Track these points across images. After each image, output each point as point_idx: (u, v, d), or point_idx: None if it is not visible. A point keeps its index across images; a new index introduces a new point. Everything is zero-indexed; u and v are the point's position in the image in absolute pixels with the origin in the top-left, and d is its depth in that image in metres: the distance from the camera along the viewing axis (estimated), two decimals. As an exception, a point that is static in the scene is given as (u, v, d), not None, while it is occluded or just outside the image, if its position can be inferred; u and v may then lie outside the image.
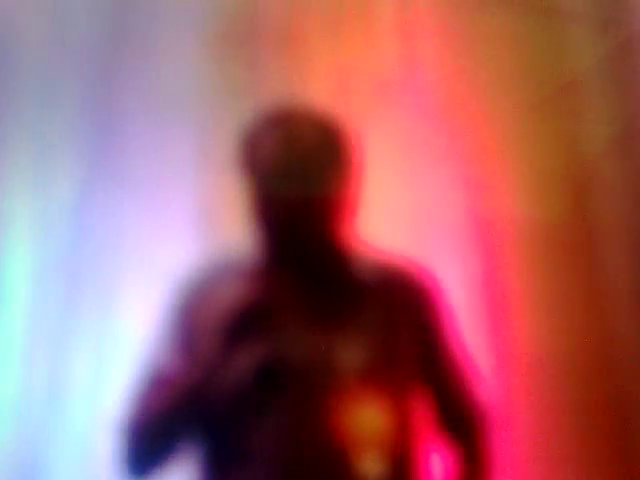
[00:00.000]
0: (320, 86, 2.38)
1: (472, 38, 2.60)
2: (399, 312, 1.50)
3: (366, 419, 1.37)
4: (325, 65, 2.44)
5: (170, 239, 2.18)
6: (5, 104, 2.36)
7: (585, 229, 2.54)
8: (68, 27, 2.39)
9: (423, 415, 1.52)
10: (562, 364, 2.41)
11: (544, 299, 2.46)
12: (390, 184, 2.39)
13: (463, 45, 2.60)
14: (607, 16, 2.69)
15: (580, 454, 2.36)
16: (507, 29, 2.63)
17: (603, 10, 2.69)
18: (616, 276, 2.51)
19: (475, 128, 2.55)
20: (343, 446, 1.35)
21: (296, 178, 1.41)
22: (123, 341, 2.03)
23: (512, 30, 2.63)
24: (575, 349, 2.41)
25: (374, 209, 1.99)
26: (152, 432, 1.40)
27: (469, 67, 2.58)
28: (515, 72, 2.61)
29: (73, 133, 2.34)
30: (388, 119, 2.48)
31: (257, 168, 1.44)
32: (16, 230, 2.30)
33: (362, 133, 1.55)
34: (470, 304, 2.37)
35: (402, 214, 2.38)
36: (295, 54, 2.40)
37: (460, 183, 2.50)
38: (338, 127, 1.49)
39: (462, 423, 1.57)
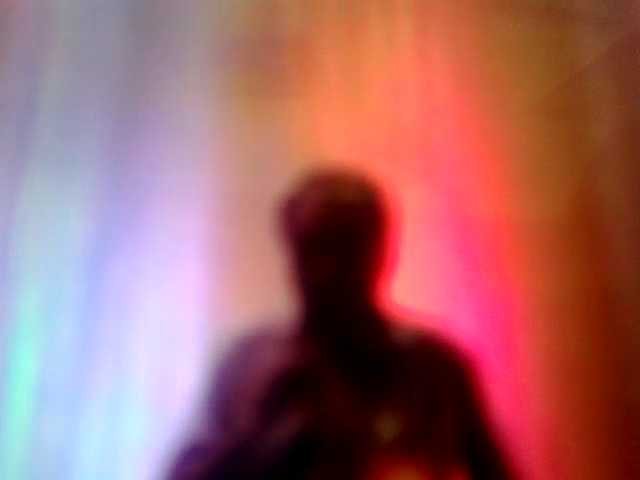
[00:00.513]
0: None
1: (476, 40, 2.62)
2: (437, 381, 1.48)
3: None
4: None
5: (186, 300, 2.16)
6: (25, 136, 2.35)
7: (586, 228, 2.56)
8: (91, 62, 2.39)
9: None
10: (573, 368, 2.41)
11: (548, 303, 2.47)
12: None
13: (471, 48, 2.61)
14: (607, 16, 2.71)
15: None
16: (508, 31, 2.65)
17: (603, 10, 2.71)
18: (617, 273, 2.52)
19: (477, 129, 2.56)
20: None
21: (335, 242, 1.39)
22: (135, 404, 2.00)
23: (513, 31, 2.65)
24: (584, 351, 2.41)
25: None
26: None
27: (471, 66, 2.59)
28: (516, 72, 2.63)
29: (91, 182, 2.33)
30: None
31: (296, 231, 1.43)
32: (27, 286, 2.28)
33: (399, 195, 1.54)
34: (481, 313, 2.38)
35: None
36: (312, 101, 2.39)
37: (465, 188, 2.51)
38: (376, 189, 1.48)
39: None
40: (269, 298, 1.53)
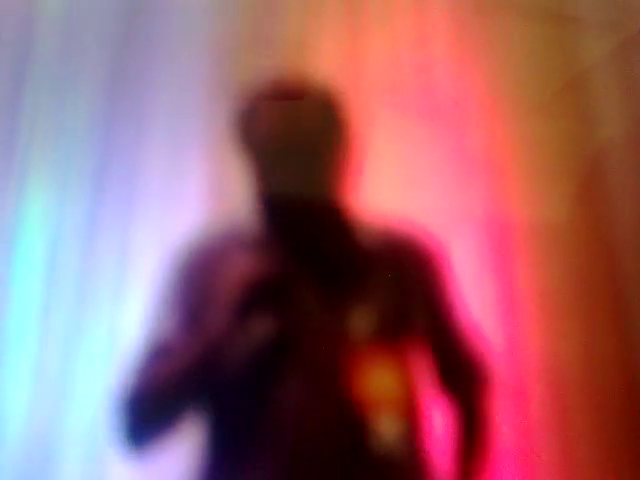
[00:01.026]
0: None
1: (477, 41, 2.61)
2: (405, 275, 1.51)
3: (380, 382, 1.40)
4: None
5: (181, 213, 2.19)
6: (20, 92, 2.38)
7: (590, 229, 2.57)
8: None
9: (426, 373, 1.55)
10: (576, 361, 2.44)
11: (554, 299, 2.49)
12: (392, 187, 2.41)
13: (469, 49, 2.61)
14: (609, 18, 2.69)
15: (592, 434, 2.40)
16: (510, 31, 2.64)
17: (605, 12, 2.70)
18: (621, 272, 2.53)
19: (480, 129, 2.56)
20: (359, 410, 1.37)
21: (296, 148, 1.42)
22: (139, 294, 2.04)
23: (515, 32, 2.64)
24: (589, 350, 2.44)
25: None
26: (155, 403, 1.38)
27: (473, 70, 2.59)
28: (518, 73, 2.62)
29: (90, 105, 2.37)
30: (398, 117, 2.50)
31: (256, 140, 1.45)
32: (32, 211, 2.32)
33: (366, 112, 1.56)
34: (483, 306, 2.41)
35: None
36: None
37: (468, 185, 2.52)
38: (336, 99, 1.49)
39: (461, 379, 1.60)
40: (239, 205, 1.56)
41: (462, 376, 1.60)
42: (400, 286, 1.50)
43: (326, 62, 2.34)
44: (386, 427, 1.38)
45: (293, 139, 1.42)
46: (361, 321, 1.42)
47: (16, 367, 2.21)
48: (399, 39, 2.56)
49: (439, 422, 1.58)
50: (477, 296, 2.38)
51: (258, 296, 1.36)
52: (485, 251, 2.47)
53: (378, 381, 1.40)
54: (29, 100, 2.37)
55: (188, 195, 2.26)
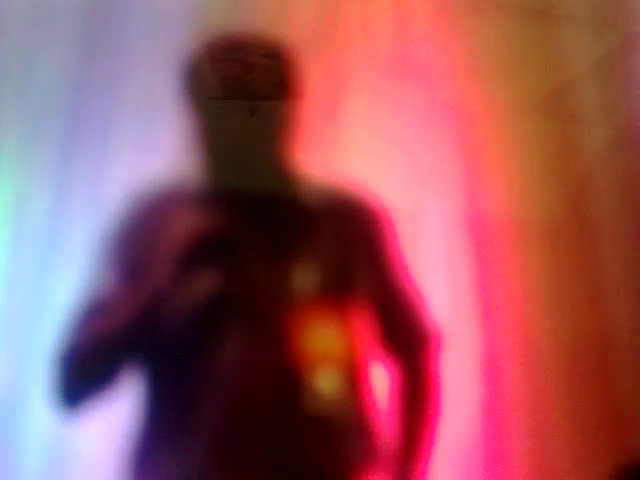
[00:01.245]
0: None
1: (470, 41, 2.59)
2: (349, 235, 1.51)
3: (321, 339, 1.40)
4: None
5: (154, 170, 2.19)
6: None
7: (582, 228, 2.56)
8: None
9: (369, 333, 1.54)
10: (558, 354, 2.44)
11: (540, 294, 2.48)
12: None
13: (461, 47, 2.59)
14: (604, 18, 2.66)
15: (571, 431, 2.40)
16: (503, 30, 2.61)
17: (600, 11, 2.67)
18: (613, 274, 2.52)
19: (472, 128, 2.55)
20: (299, 366, 1.37)
21: (243, 102, 1.39)
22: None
23: (509, 31, 2.62)
24: (572, 340, 2.44)
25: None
26: (91, 360, 1.35)
27: (466, 69, 2.57)
28: (513, 73, 2.60)
29: None
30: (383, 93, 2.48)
31: (201, 92, 1.43)
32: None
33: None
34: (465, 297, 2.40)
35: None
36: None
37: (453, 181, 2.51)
38: (284, 51, 1.47)
39: (405, 339, 1.59)
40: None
41: (406, 337, 1.59)
42: (345, 245, 1.49)
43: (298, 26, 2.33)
44: (325, 384, 1.38)
45: (240, 93, 1.40)
46: (304, 278, 1.41)
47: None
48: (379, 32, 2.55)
49: (384, 383, 1.57)
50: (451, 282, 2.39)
51: (202, 250, 1.34)
52: (471, 248, 2.47)
53: (319, 339, 1.39)
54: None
55: (161, 152, 2.26)
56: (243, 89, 1.39)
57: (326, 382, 1.38)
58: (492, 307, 2.42)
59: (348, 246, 1.49)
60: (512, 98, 2.56)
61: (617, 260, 2.53)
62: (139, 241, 1.42)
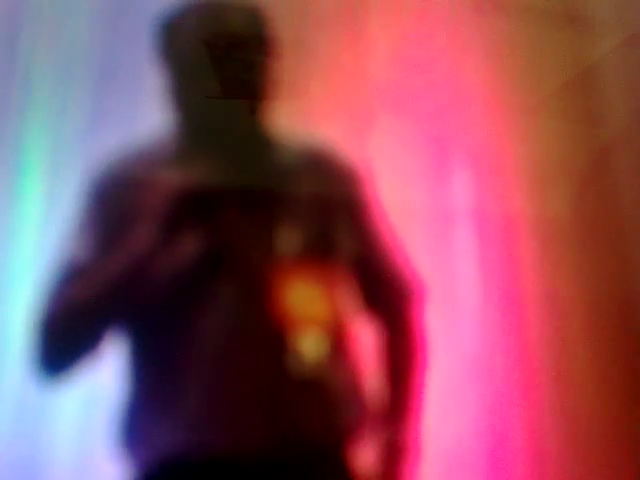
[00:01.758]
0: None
1: (472, 40, 2.57)
2: (329, 194, 1.50)
3: (303, 301, 1.39)
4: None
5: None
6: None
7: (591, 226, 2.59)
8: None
9: (351, 292, 1.54)
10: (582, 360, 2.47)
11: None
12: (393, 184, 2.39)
13: (464, 48, 2.57)
14: (609, 17, 2.66)
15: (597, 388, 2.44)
16: (506, 30, 2.60)
17: (605, 11, 2.66)
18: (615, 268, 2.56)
19: (477, 127, 2.54)
20: (283, 328, 1.36)
21: (219, 56, 1.38)
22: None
23: (511, 31, 2.60)
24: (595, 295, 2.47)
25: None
26: (72, 326, 1.32)
27: (470, 69, 2.56)
28: (517, 72, 2.59)
29: None
30: (388, 120, 2.47)
31: (180, 52, 1.42)
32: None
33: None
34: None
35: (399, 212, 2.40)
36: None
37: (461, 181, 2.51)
38: (263, 13, 1.46)
39: (386, 297, 1.58)
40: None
41: (386, 294, 1.58)
42: (325, 205, 1.49)
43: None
44: (308, 346, 1.37)
45: (217, 48, 1.39)
46: (287, 239, 1.40)
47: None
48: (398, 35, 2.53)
49: (367, 344, 1.57)
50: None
51: (184, 211, 1.32)
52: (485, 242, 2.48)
53: (303, 300, 1.39)
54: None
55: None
56: (220, 43, 1.39)
57: (311, 344, 1.37)
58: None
59: (328, 205, 1.49)
60: (521, 96, 2.58)
61: (629, 256, 2.58)
62: (117, 204, 1.41)
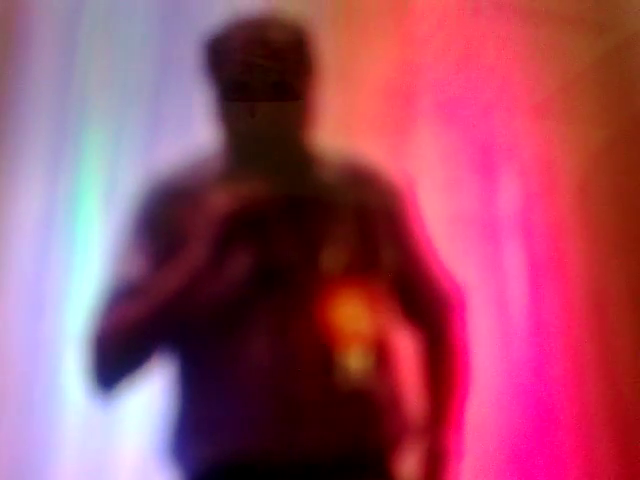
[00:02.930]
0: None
1: (471, 42, 2.58)
2: (372, 212, 1.52)
3: (350, 317, 1.41)
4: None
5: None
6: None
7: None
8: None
9: (392, 306, 1.57)
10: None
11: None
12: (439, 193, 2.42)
13: (464, 48, 2.58)
14: (604, 19, 2.64)
15: None
16: (504, 32, 2.60)
17: (600, 13, 2.65)
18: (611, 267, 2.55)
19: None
20: (330, 342, 1.38)
21: (266, 83, 1.39)
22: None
23: (510, 33, 2.60)
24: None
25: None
26: (125, 343, 1.35)
27: (468, 70, 2.57)
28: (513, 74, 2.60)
29: None
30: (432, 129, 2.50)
31: (223, 69, 1.42)
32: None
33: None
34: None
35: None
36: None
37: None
38: (306, 32, 1.47)
39: (425, 309, 1.61)
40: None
41: (426, 306, 1.61)
42: (368, 220, 1.51)
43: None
44: (354, 360, 1.39)
45: (264, 65, 1.39)
46: (332, 256, 1.42)
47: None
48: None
49: (408, 356, 1.60)
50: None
51: (235, 230, 1.33)
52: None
53: (348, 315, 1.41)
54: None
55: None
56: (265, 64, 1.39)
57: (357, 358, 1.40)
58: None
59: (371, 220, 1.51)
60: (519, 97, 2.57)
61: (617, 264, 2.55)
62: (168, 221, 1.43)
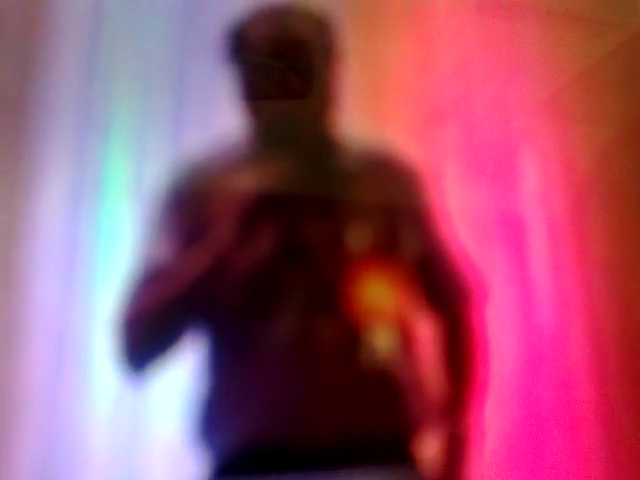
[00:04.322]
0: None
1: (473, 40, 2.58)
2: (394, 195, 1.53)
3: (375, 296, 1.42)
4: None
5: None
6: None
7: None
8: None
9: (414, 290, 1.58)
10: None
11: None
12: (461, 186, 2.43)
13: (463, 48, 2.58)
14: (609, 17, 2.63)
15: None
16: (505, 30, 2.59)
17: (605, 12, 2.63)
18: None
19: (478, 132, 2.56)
20: (356, 322, 1.39)
21: (290, 68, 1.41)
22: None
23: (511, 31, 2.60)
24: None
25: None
26: (155, 323, 1.36)
27: (467, 69, 2.57)
28: (517, 73, 2.59)
29: None
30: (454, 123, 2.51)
31: (248, 55, 1.45)
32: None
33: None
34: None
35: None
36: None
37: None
38: (328, 20, 1.50)
39: (446, 294, 1.62)
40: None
41: (447, 292, 1.62)
42: (389, 206, 1.52)
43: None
44: (380, 340, 1.41)
45: (287, 50, 1.42)
46: (357, 236, 1.44)
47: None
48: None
49: (428, 338, 1.61)
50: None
51: (260, 212, 1.36)
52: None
53: (373, 296, 1.42)
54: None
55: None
56: (288, 47, 1.42)
57: (382, 337, 1.41)
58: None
59: (393, 207, 1.52)
60: (522, 95, 2.57)
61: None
62: (194, 206, 1.44)
